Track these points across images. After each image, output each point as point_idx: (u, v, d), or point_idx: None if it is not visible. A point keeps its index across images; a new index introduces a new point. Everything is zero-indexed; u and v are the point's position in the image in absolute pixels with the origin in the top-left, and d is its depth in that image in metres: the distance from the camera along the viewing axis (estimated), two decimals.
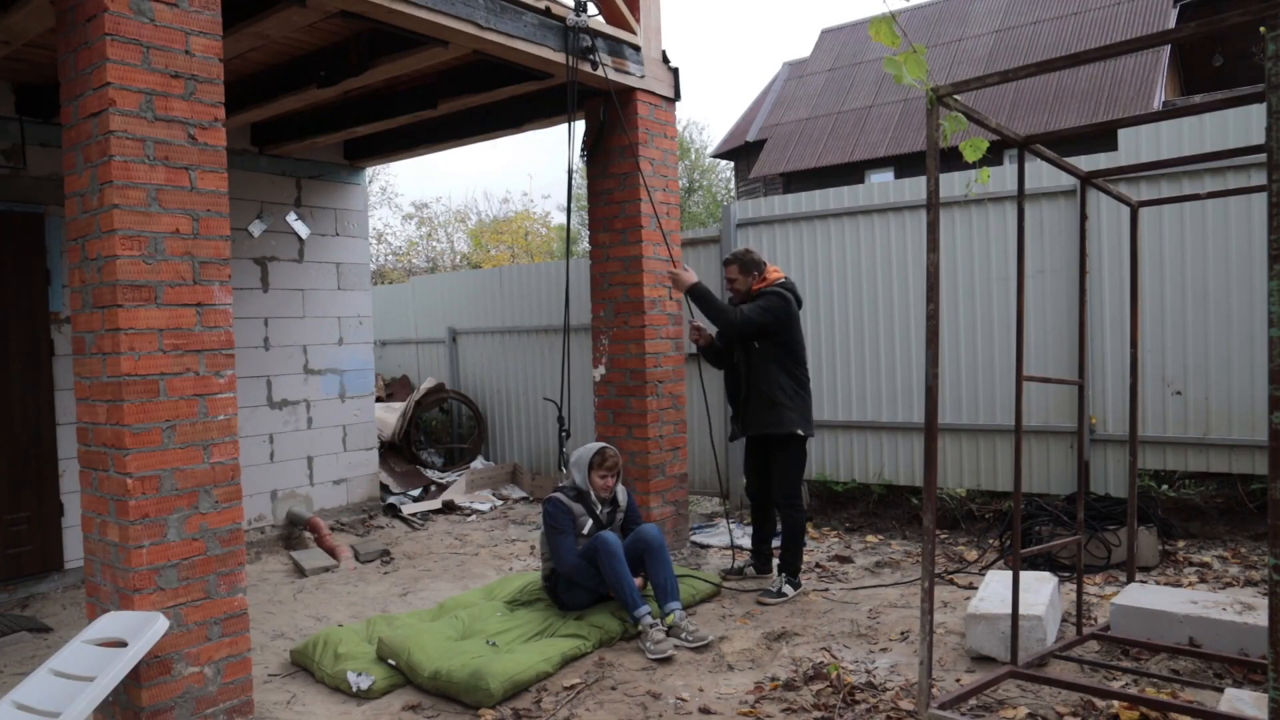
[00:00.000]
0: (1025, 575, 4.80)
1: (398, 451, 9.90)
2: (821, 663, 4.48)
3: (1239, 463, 6.07)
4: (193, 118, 3.95)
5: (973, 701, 3.91)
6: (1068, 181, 6.46)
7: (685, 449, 6.94)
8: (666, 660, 4.69)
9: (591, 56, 6.06)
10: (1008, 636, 4.24)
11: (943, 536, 6.94)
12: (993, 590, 4.74)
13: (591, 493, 5.37)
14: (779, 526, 5.97)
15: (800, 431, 5.76)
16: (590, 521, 5.35)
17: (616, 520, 5.51)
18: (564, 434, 6.07)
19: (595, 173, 6.82)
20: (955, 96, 3.44)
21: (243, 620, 4.11)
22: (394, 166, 29.12)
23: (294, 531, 7.69)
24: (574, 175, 6.25)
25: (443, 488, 9.40)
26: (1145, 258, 6.22)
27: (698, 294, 5.75)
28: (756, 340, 5.76)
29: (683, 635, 4.87)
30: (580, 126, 6.90)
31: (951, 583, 5.84)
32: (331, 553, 7.07)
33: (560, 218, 32.99)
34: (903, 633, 4.96)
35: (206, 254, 3.99)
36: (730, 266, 5.92)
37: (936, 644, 4.69)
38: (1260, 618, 4.17)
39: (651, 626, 4.87)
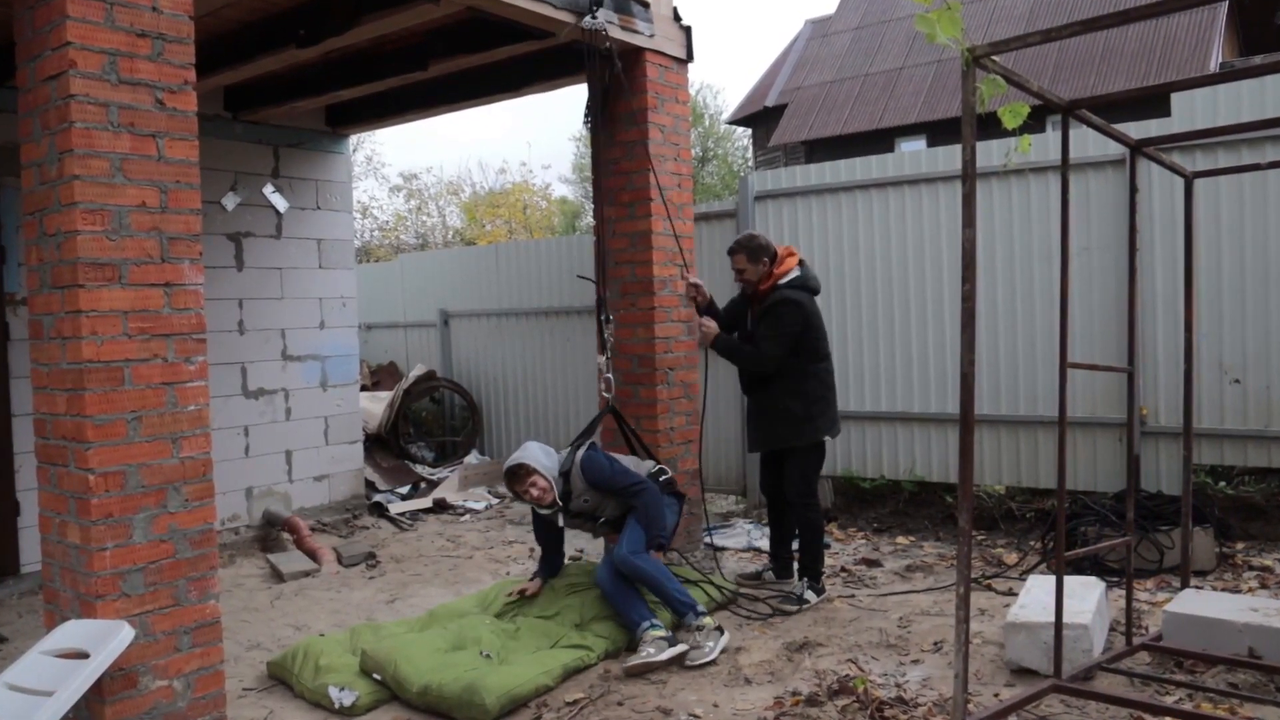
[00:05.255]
0: (1070, 580, 4.76)
1: (385, 445, 9.91)
2: (847, 675, 4.47)
3: None
4: (160, 80, 3.92)
5: (1012, 718, 3.90)
6: (1116, 150, 6.41)
7: (698, 443, 6.92)
8: (648, 665, 4.70)
9: (595, 12, 6.02)
10: (1050, 647, 4.22)
11: (980, 538, 6.92)
12: (1034, 597, 4.72)
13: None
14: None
15: (828, 437, 5.85)
16: (560, 516, 5.37)
17: (586, 508, 5.38)
18: (605, 320, 6.02)
19: (601, 141, 6.77)
20: (993, 57, 3.40)
21: (215, 629, 4.10)
22: (381, 134, 29.10)
23: (271, 532, 7.70)
24: (579, 143, 6.24)
25: (433, 484, 9.41)
26: (1201, 233, 6.17)
27: (720, 349, 5.87)
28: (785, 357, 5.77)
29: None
30: (587, 91, 6.86)
31: (989, 588, 5.83)
32: (312, 555, 7.08)
33: (561, 189, 33.00)
34: (936, 643, 4.96)
35: (176, 229, 3.97)
36: (736, 256, 5.88)
37: (973, 655, 4.68)
38: None
39: (648, 642, 4.85)
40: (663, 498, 5.37)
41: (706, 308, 6.17)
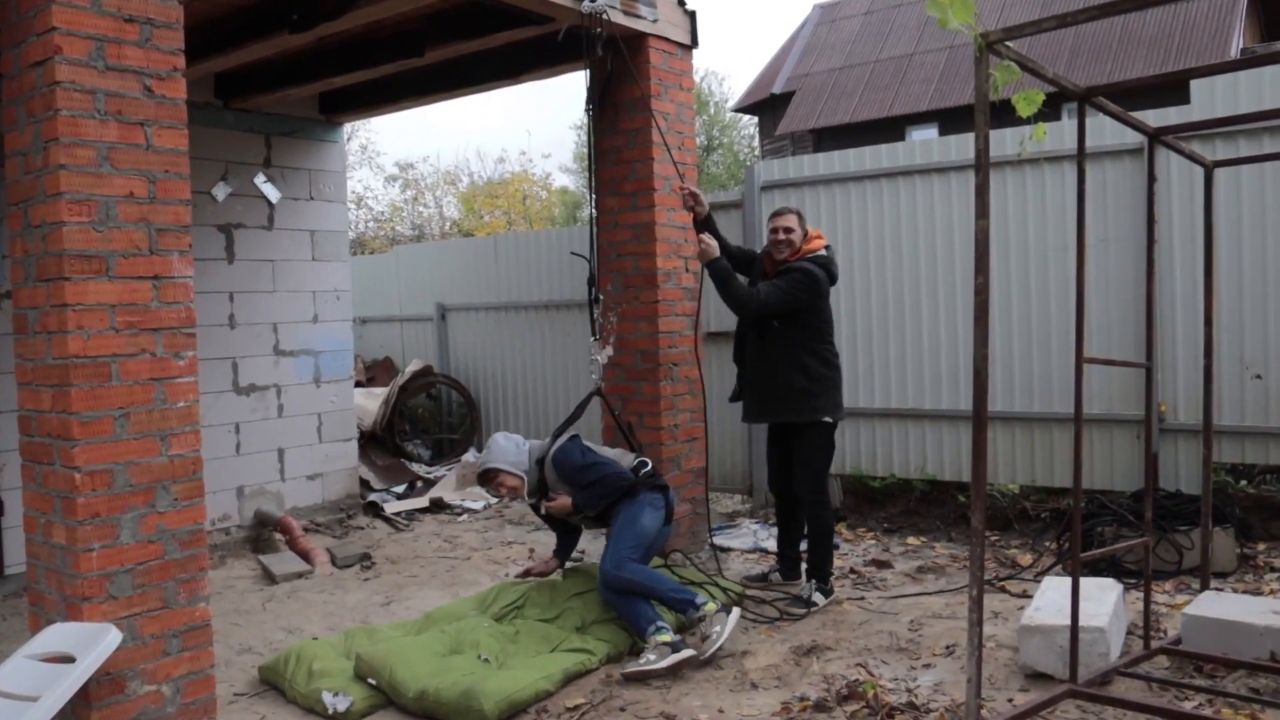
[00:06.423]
0: (1086, 582, 4.76)
1: (380, 443, 9.91)
2: (856, 680, 4.46)
3: None
4: (149, 67, 3.92)
5: None
6: (1133, 139, 6.39)
7: (703, 440, 6.92)
8: (645, 673, 4.68)
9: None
10: (1066, 651, 4.21)
11: (993, 538, 6.92)
12: (1049, 599, 4.72)
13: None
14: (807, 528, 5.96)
15: (827, 419, 5.75)
16: (541, 505, 5.49)
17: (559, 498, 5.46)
18: (595, 298, 6.02)
19: (602, 129, 6.77)
20: (1007, 43, 3.39)
21: (205, 633, 4.11)
22: (376, 122, 29.16)
23: (263, 533, 7.70)
24: (580, 131, 6.23)
25: (430, 483, 9.41)
26: (1221, 225, 6.15)
27: (716, 271, 5.72)
28: (775, 318, 5.74)
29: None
30: (585, 78, 6.85)
31: (1003, 590, 5.82)
32: (305, 556, 7.07)
33: (562, 179, 32.99)
34: (948, 647, 4.95)
35: (164, 220, 3.97)
36: (789, 215, 5.87)
37: (986, 659, 4.67)
38: None
39: (651, 647, 4.82)
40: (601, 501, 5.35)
41: (704, 222, 6.10)
